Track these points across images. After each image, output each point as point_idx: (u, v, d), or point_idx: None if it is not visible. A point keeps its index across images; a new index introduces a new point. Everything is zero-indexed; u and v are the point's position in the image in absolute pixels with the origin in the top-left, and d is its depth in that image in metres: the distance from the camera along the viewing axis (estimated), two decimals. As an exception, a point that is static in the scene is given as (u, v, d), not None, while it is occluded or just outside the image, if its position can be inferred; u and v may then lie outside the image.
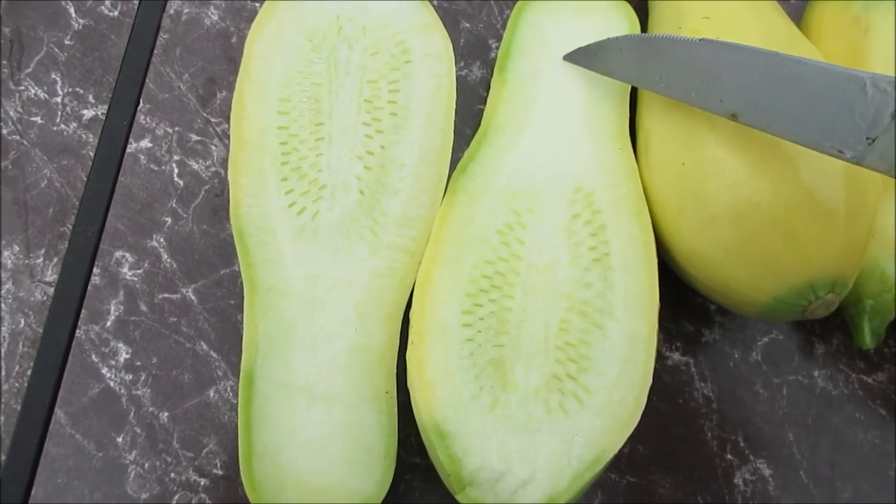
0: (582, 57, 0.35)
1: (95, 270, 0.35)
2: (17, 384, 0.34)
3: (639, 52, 0.32)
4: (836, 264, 0.29)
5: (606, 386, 0.29)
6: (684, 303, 0.37)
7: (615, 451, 0.28)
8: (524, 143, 0.34)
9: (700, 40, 0.29)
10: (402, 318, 0.33)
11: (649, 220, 0.32)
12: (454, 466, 0.28)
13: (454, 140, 0.35)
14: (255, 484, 0.30)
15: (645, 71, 0.32)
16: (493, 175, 0.33)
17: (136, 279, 0.35)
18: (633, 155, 0.34)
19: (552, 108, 0.34)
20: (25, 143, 0.37)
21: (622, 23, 0.37)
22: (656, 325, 0.30)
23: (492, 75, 0.39)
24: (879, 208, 0.33)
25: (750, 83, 0.27)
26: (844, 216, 0.29)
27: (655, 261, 0.32)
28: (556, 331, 0.30)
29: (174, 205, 0.37)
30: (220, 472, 0.33)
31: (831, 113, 0.25)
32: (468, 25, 0.41)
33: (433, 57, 0.35)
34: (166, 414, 0.34)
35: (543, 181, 0.33)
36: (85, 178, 0.37)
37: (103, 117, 0.38)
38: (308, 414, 0.31)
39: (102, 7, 0.39)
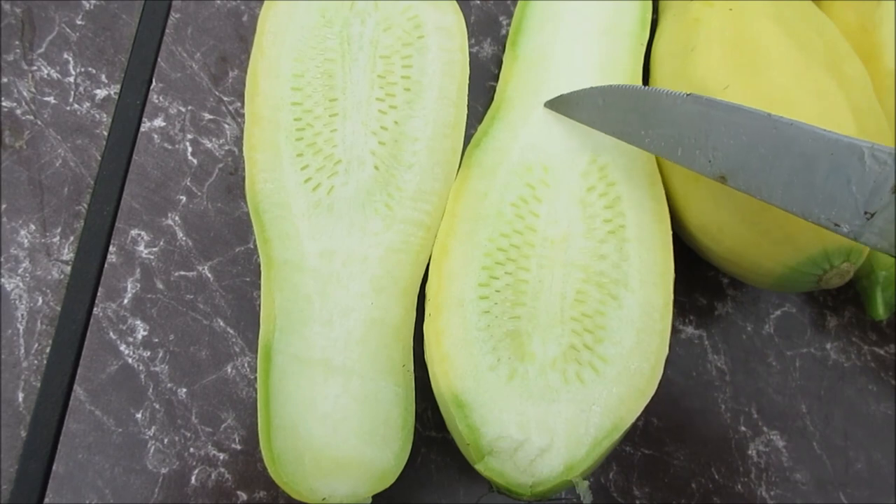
0: (562, 106, 0.34)
1: (111, 249, 0.36)
2: (36, 361, 0.34)
3: (622, 104, 0.31)
4: (852, 233, 0.29)
5: (623, 355, 0.29)
6: (697, 277, 0.38)
7: (633, 419, 0.29)
8: (537, 117, 0.34)
9: (688, 96, 0.28)
10: (417, 292, 0.33)
11: (663, 192, 0.32)
12: (473, 436, 0.28)
13: (467, 116, 0.35)
14: (275, 456, 0.30)
15: (628, 125, 0.30)
16: (507, 149, 0.33)
17: (151, 257, 0.36)
18: (646, 127, 0.34)
19: (565, 81, 0.34)
20: (39, 123, 0.37)
21: (633, -3, 0.37)
22: (672, 296, 0.31)
23: (503, 52, 0.39)
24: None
25: (740, 145, 0.26)
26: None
27: (670, 232, 0.32)
28: (572, 302, 0.30)
29: (188, 183, 0.37)
30: (238, 447, 0.34)
31: (826, 183, 0.23)
32: (479, 2, 0.41)
33: (445, 31, 0.35)
34: (184, 390, 0.34)
35: (557, 154, 0.33)
36: (99, 158, 0.37)
37: (116, 97, 0.38)
38: (326, 387, 0.31)
39: (113, -13, 0.40)
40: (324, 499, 0.30)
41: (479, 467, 0.28)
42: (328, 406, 0.31)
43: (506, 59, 0.37)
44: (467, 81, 0.35)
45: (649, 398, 0.29)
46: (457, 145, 0.34)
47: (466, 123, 0.35)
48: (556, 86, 0.35)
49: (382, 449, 0.31)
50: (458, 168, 0.34)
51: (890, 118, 0.33)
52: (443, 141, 0.34)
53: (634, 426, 0.35)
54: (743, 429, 0.36)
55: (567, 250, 0.31)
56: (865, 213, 0.22)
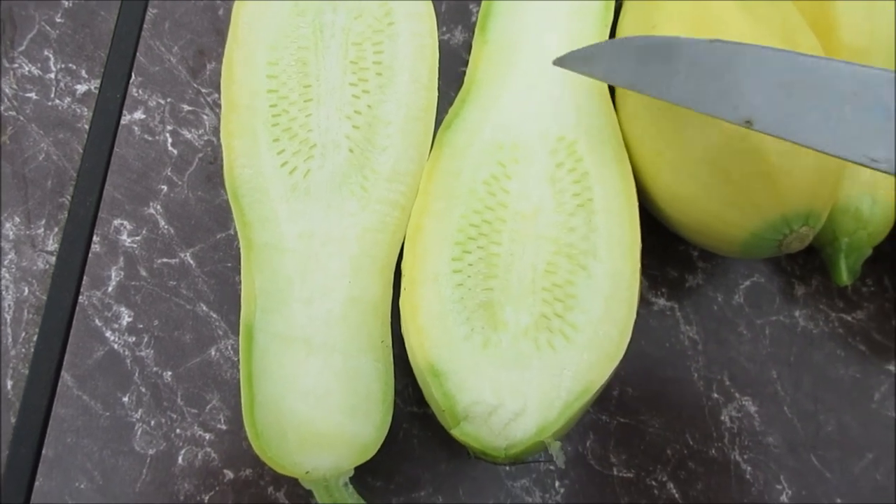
0: (575, 62, 0.33)
1: (95, 238, 0.36)
2: (23, 350, 0.35)
3: (639, 55, 0.30)
4: (809, 197, 0.30)
5: (592, 322, 0.30)
6: (668, 250, 0.39)
7: (602, 381, 0.29)
8: (506, 98, 0.35)
9: (710, 41, 0.27)
10: (394, 269, 0.34)
11: (629, 166, 0.33)
12: (449, 403, 0.29)
13: (438, 102, 0.36)
14: (258, 432, 0.31)
15: (647, 76, 0.29)
16: (478, 129, 0.34)
17: (135, 245, 0.36)
18: (611, 103, 0.35)
19: (533, 63, 0.35)
20: (22, 118, 0.38)
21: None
22: (639, 265, 0.32)
23: (473, 38, 0.39)
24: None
25: (767, 86, 0.25)
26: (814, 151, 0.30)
27: (636, 204, 0.33)
28: (542, 273, 0.31)
29: (169, 173, 0.38)
30: (223, 427, 0.35)
31: (861, 118, 0.22)
32: (449, -9, 0.42)
33: (415, 17, 0.36)
34: (170, 373, 0.35)
35: (526, 133, 0.34)
36: (81, 151, 0.38)
37: (96, 91, 0.39)
38: (307, 364, 0.32)
39: (91, -15, 0.40)
40: (307, 472, 0.31)
41: (454, 432, 0.29)
42: (310, 382, 0.32)
43: (475, 43, 0.38)
44: (437, 65, 0.36)
45: (618, 362, 0.30)
46: (429, 127, 0.35)
47: (438, 108, 0.36)
48: (524, 67, 0.36)
49: (364, 422, 0.32)
50: (430, 149, 0.35)
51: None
52: (415, 123, 0.35)
53: (610, 396, 0.36)
54: (716, 396, 0.37)
55: (538, 224, 0.32)
56: None
